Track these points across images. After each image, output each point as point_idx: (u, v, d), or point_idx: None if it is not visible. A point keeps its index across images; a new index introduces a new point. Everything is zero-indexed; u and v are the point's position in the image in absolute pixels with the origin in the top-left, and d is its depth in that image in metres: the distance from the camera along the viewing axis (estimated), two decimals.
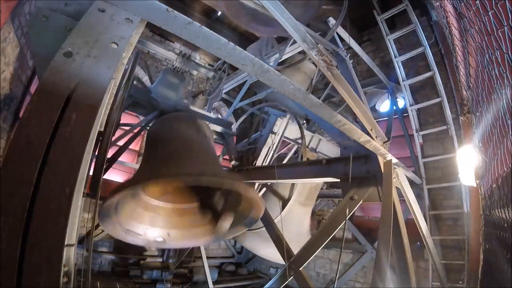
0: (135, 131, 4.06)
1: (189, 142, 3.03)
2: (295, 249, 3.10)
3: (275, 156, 4.24)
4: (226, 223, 2.25)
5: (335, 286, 4.27)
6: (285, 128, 4.18)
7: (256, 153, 4.10)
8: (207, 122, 3.68)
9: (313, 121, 5.57)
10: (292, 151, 4.89)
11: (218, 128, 4.53)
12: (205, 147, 3.16)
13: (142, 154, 4.64)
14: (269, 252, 4.46)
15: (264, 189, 4.35)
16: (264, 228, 3.69)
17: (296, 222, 4.41)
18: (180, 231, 2.60)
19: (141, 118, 4.94)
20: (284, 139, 4.31)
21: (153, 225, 2.47)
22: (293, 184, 4.29)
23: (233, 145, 4.72)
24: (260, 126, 4.93)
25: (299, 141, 4.50)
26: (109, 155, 3.27)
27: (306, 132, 4.39)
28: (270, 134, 4.10)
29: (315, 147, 4.80)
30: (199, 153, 2.93)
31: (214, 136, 4.60)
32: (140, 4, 1.14)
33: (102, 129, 1.68)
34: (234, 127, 4.79)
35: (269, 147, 4.10)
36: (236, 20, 3.60)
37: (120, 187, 2.04)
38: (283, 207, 4.07)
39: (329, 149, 5.03)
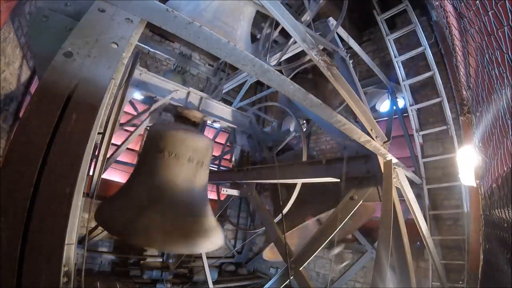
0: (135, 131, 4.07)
1: (177, 192, 3.15)
2: None
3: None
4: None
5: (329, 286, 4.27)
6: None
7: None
8: (210, 140, 3.66)
9: (313, 121, 5.57)
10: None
11: (232, 120, 4.39)
12: (197, 199, 3.30)
13: (139, 156, 4.63)
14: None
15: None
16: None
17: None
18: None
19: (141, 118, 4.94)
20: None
21: None
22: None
23: (240, 144, 4.70)
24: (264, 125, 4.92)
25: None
26: (108, 155, 3.29)
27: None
28: None
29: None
30: (186, 203, 3.13)
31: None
32: (140, 4, 1.14)
33: (102, 129, 1.68)
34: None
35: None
36: None
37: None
38: (284, 206, 4.07)
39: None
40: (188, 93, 3.87)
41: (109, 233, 3.72)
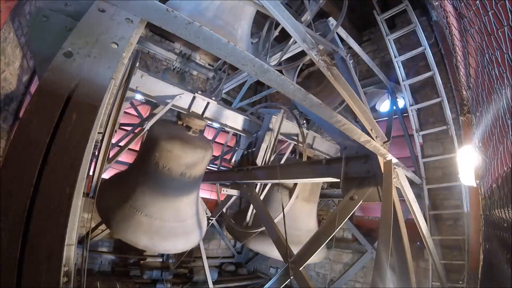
0: (136, 131, 4.06)
1: (166, 201, 3.50)
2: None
3: (273, 155, 4.25)
4: None
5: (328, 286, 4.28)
6: (280, 124, 4.18)
7: (255, 151, 4.11)
8: (208, 149, 3.67)
9: (313, 121, 5.57)
10: (289, 149, 4.91)
11: (240, 125, 4.23)
12: (184, 206, 3.66)
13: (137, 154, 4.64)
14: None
15: (267, 187, 4.35)
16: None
17: (303, 219, 4.43)
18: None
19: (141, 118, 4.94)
20: (281, 135, 4.31)
21: None
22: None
23: (243, 147, 4.71)
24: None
25: (295, 137, 4.53)
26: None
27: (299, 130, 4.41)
28: (267, 132, 4.09)
29: (311, 144, 4.85)
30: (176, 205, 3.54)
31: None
32: (140, 4, 1.14)
33: (102, 129, 1.68)
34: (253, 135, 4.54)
35: (267, 145, 4.11)
36: None
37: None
38: (286, 205, 4.07)
39: (324, 146, 5.09)
40: (194, 97, 3.60)
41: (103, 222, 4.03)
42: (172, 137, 3.44)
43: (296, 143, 4.59)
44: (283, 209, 3.20)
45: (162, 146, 3.35)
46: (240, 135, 4.75)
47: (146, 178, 3.45)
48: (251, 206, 4.35)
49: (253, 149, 4.21)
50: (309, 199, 4.57)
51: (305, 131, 4.50)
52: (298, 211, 4.39)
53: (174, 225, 3.48)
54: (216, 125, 4.49)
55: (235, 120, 4.11)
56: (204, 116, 3.73)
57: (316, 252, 2.83)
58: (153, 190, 3.41)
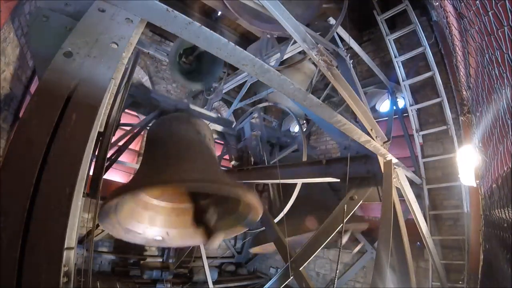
0: (135, 131, 4.06)
1: (188, 144, 3.11)
2: None
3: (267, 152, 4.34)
4: (215, 241, 2.36)
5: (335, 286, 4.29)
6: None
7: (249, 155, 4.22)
8: (208, 123, 3.70)
9: (313, 121, 5.57)
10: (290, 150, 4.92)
11: (219, 128, 4.58)
12: (205, 150, 3.21)
13: (142, 154, 4.64)
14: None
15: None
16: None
17: None
18: (179, 230, 2.65)
19: (141, 118, 4.94)
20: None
21: (152, 224, 2.52)
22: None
23: (233, 145, 4.73)
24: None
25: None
26: (109, 155, 3.28)
27: None
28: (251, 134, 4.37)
29: None
30: (198, 156, 3.00)
31: (215, 136, 4.62)
32: (140, 4, 1.14)
33: (102, 129, 1.68)
34: (235, 126, 4.81)
35: (258, 146, 4.29)
36: (237, 18, 3.61)
37: (120, 190, 2.06)
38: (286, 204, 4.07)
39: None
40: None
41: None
42: (173, 126, 3.41)
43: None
44: (283, 209, 3.20)
45: (168, 117, 3.27)
46: (225, 136, 4.84)
47: (160, 157, 2.85)
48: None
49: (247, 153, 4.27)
50: None
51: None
52: None
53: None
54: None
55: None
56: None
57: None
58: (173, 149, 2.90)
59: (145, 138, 3.92)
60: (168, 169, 2.48)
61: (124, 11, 1.12)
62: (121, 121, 3.87)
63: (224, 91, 5.70)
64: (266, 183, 4.45)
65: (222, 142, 6.37)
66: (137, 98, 3.88)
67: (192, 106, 4.16)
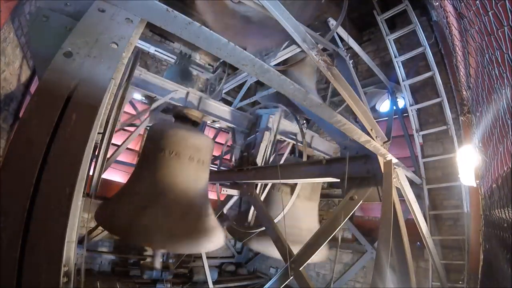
0: (135, 130, 4.08)
1: (178, 190, 3.18)
2: None
3: (273, 154, 4.27)
4: None
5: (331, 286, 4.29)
6: (278, 123, 4.27)
7: (255, 151, 4.14)
8: (210, 139, 3.69)
9: (313, 121, 5.58)
10: (288, 148, 4.91)
11: (231, 119, 4.46)
12: (198, 198, 3.33)
13: (139, 156, 4.63)
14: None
15: (268, 187, 4.36)
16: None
17: (303, 218, 4.42)
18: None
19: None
20: (280, 135, 4.36)
21: None
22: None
23: (239, 144, 4.72)
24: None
25: (294, 136, 4.59)
26: (108, 155, 3.29)
27: (297, 129, 4.47)
28: (265, 132, 4.19)
29: (309, 143, 4.93)
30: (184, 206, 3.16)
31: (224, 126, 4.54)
32: (140, 4, 1.14)
33: (102, 129, 1.68)
34: (254, 110, 4.75)
35: (266, 144, 4.16)
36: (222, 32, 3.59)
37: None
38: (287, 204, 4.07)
39: (324, 146, 5.18)
40: (187, 93, 3.91)
41: (109, 232, 3.73)
42: (175, 126, 3.46)
43: (295, 142, 4.61)
44: (283, 208, 3.20)
45: (167, 133, 3.24)
46: (235, 132, 4.79)
47: (154, 172, 3.14)
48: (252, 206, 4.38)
49: (253, 150, 4.22)
50: (310, 198, 4.57)
51: (304, 129, 4.52)
52: (299, 209, 4.39)
53: (192, 220, 3.11)
54: (217, 125, 4.52)
55: (227, 114, 4.33)
56: (199, 109, 3.93)
57: (318, 251, 2.83)
58: (163, 182, 3.09)
59: (145, 138, 3.92)
60: (144, 217, 2.78)
61: (124, 11, 1.12)
62: (121, 121, 3.89)
63: (224, 91, 5.70)
64: (266, 183, 4.45)
65: (223, 143, 6.39)
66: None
67: (208, 101, 4.13)
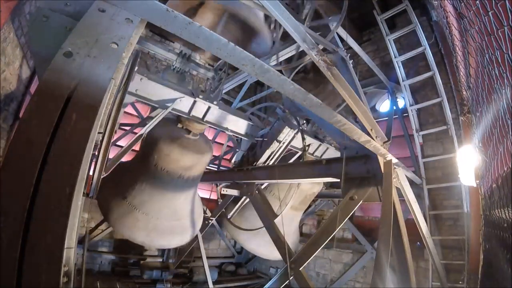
0: (135, 131, 4.05)
1: (164, 200, 3.66)
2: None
3: (276, 162, 4.20)
4: None
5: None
6: (291, 140, 4.01)
7: (258, 155, 4.08)
8: (206, 153, 3.70)
9: (313, 121, 5.56)
10: (296, 156, 4.88)
11: (242, 129, 4.08)
12: (180, 206, 3.84)
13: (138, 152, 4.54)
14: (269, 251, 4.50)
15: (262, 187, 4.36)
16: (261, 229, 3.76)
17: (285, 223, 4.40)
18: None
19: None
20: (290, 147, 4.22)
21: None
22: (290, 188, 4.33)
23: (242, 149, 4.68)
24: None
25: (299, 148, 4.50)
26: (112, 155, 3.30)
27: (312, 140, 4.41)
28: (275, 141, 3.94)
29: (321, 155, 4.80)
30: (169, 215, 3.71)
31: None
32: (140, 4, 1.14)
33: (102, 129, 1.68)
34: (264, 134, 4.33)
35: (272, 152, 4.01)
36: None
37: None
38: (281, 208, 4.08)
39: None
40: (194, 102, 3.41)
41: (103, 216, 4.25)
42: (172, 140, 3.47)
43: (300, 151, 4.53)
44: (281, 211, 3.21)
45: (161, 149, 3.40)
46: (241, 140, 4.70)
47: (145, 177, 3.54)
48: (240, 202, 4.59)
49: (255, 151, 4.20)
50: (296, 208, 4.64)
51: (316, 141, 4.47)
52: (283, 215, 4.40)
53: (171, 223, 3.62)
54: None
55: (236, 124, 3.96)
56: (204, 120, 3.59)
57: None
58: (151, 190, 3.51)
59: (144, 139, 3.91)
60: (131, 220, 3.44)
61: (124, 11, 1.12)
62: (121, 121, 3.87)
63: (224, 91, 5.69)
64: (266, 183, 4.45)
65: (223, 143, 6.39)
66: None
67: (217, 110, 3.65)
